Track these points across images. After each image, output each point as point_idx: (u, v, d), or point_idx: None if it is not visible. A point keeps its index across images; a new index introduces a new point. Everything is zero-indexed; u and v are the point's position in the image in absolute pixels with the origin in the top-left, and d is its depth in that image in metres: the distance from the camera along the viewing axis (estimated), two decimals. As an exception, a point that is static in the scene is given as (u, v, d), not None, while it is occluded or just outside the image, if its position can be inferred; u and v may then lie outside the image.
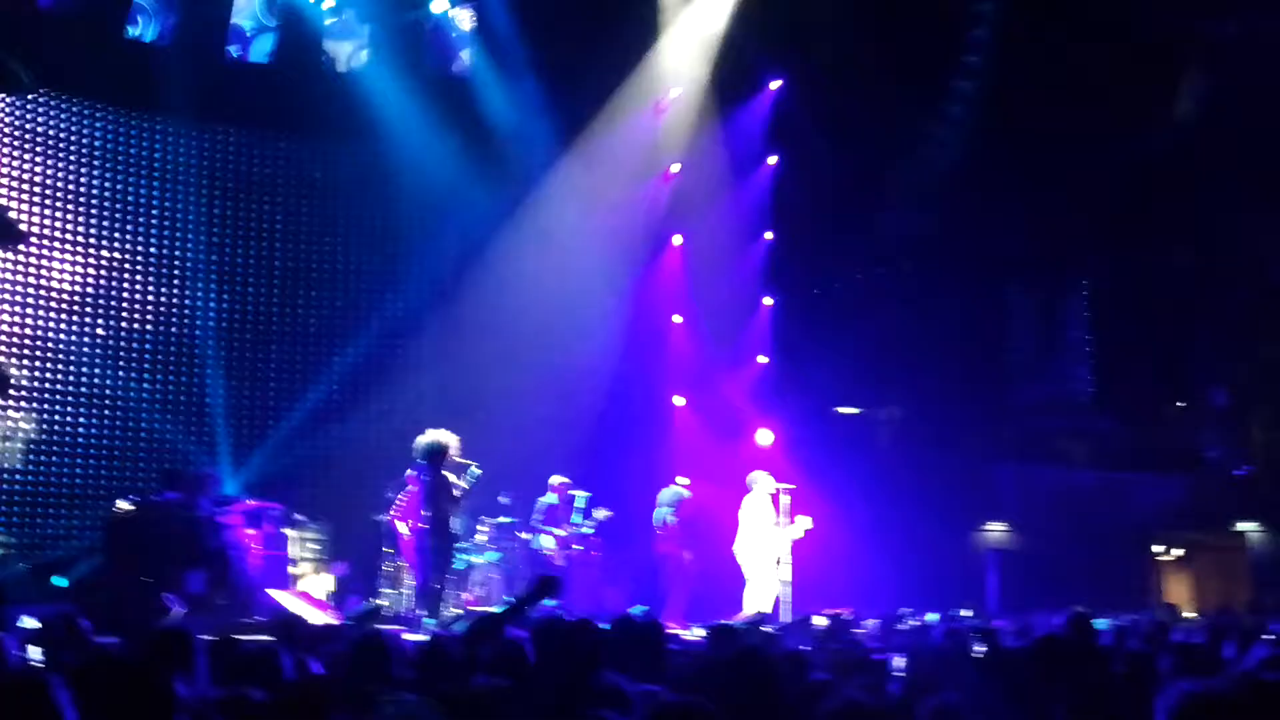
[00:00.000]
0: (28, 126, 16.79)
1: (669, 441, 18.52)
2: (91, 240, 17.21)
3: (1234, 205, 19.66)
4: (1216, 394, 22.37)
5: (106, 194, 17.32)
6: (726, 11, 18.99)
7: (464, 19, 18.50)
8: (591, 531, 15.79)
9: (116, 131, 17.35)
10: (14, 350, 16.27)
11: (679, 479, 16.30)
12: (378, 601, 13.93)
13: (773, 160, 20.09)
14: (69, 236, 17.01)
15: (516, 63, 18.06)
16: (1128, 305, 22.25)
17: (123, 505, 13.20)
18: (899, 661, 7.31)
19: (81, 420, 16.53)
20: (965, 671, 7.05)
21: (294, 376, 16.99)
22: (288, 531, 14.72)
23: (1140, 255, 21.39)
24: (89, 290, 17.09)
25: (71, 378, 16.60)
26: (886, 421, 22.23)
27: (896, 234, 20.47)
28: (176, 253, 17.42)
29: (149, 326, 17.33)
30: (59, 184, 16.97)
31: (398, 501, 13.83)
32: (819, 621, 11.29)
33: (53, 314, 16.66)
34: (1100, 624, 9.96)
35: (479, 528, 15.18)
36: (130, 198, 17.45)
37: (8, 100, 16.52)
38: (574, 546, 15.64)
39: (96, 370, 16.65)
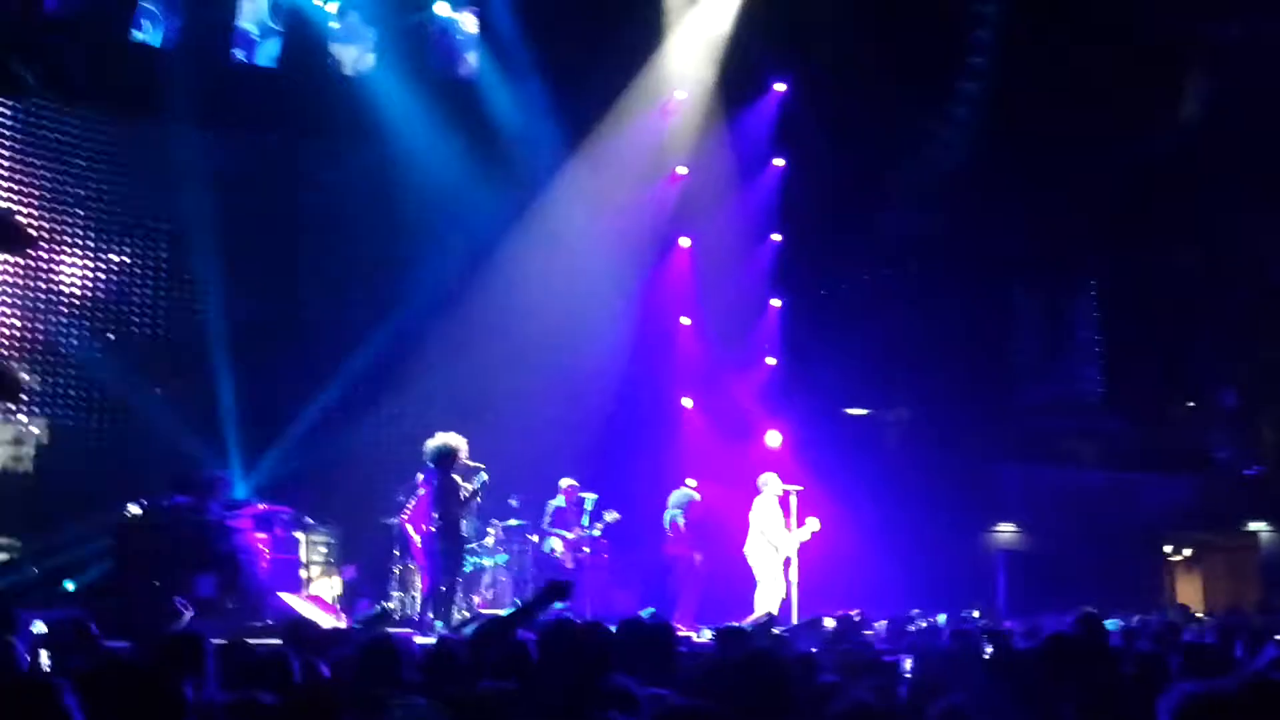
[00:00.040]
0: (35, 131, 16.83)
1: (678, 443, 18.52)
2: (100, 245, 17.26)
3: (1238, 206, 19.64)
4: (1225, 394, 22.35)
5: (114, 198, 17.35)
6: (731, 13, 19.00)
7: (469, 22, 18.49)
8: (599, 534, 15.79)
9: (123, 135, 17.38)
10: (24, 355, 16.30)
11: (688, 481, 16.29)
12: (387, 605, 13.95)
13: (779, 162, 20.09)
14: (78, 241, 17.07)
15: (522, 65, 18.06)
16: (1134, 305, 22.24)
17: (133, 509, 13.20)
18: (908, 663, 7.31)
19: (92, 425, 16.56)
20: (973, 673, 7.04)
21: (303, 379, 16.96)
22: (298, 535, 14.72)
23: (1146, 255, 21.38)
24: (98, 295, 17.14)
25: (81, 382, 16.63)
26: (894, 422, 22.22)
27: (903, 235, 20.46)
28: (185, 256, 17.42)
29: (158, 331, 17.38)
30: (66, 188, 17.01)
31: (408, 505, 13.85)
32: (828, 623, 11.30)
33: (63, 318, 16.71)
34: (1110, 625, 9.97)
35: (488, 530, 15.19)
36: (137, 202, 17.48)
37: (14, 104, 16.55)
38: (583, 549, 15.65)
39: (106, 374, 16.66)
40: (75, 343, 16.69)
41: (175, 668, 5.08)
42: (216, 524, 13.15)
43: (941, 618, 12.58)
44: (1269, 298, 20.81)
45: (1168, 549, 21.62)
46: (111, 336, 17.01)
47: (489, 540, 15.18)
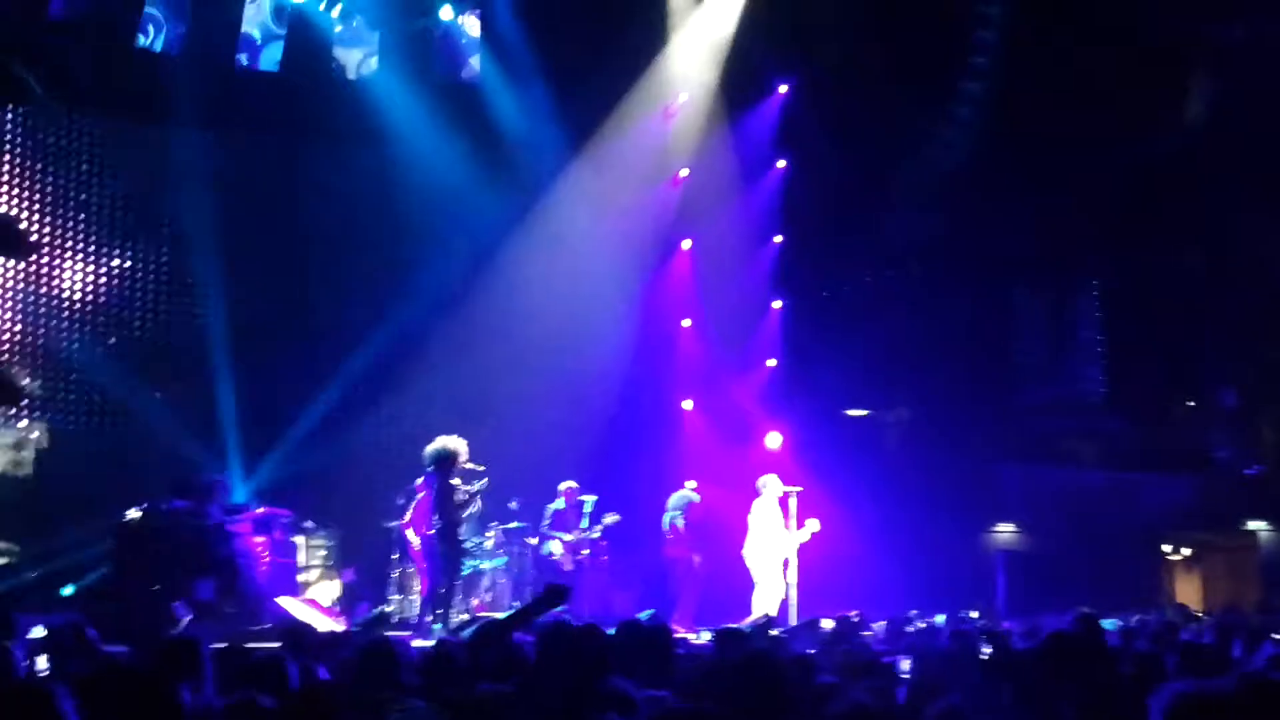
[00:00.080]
0: (38, 137, 16.87)
1: (678, 445, 18.53)
2: (103, 249, 17.29)
3: (1241, 206, 19.62)
4: (1226, 394, 22.32)
5: (117, 203, 17.39)
6: (734, 16, 19.01)
7: (472, 26, 18.52)
8: (599, 536, 15.80)
9: (126, 140, 17.42)
10: (24, 359, 16.33)
11: (688, 483, 16.31)
12: (385, 608, 13.97)
13: (781, 164, 20.10)
14: (80, 246, 17.10)
15: (525, 68, 18.09)
16: (1137, 306, 22.21)
17: (132, 513, 13.22)
18: (906, 664, 7.32)
19: (92, 429, 16.59)
20: (972, 673, 7.05)
21: (304, 382, 16.98)
22: (297, 539, 14.74)
23: (1148, 256, 21.34)
24: (99, 299, 17.18)
25: (81, 386, 16.66)
26: (895, 423, 22.20)
27: (904, 236, 20.44)
28: (186, 260, 17.45)
29: (159, 335, 17.41)
30: (69, 193, 17.05)
31: (407, 508, 13.87)
32: (826, 624, 11.31)
33: (63, 323, 16.74)
34: (1108, 624, 9.96)
35: (487, 533, 15.21)
36: (140, 206, 17.52)
37: (18, 110, 16.58)
38: (582, 551, 15.66)
39: (106, 379, 16.69)
40: (76, 347, 16.71)
41: (173, 672, 5.10)
42: (215, 528, 13.17)
43: (940, 618, 12.58)
44: (1271, 298, 20.77)
45: (1167, 549, 21.60)
46: (112, 341, 17.04)
47: (488, 543, 15.20)
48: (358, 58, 18.20)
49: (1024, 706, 6.19)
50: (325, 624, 12.12)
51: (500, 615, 10.15)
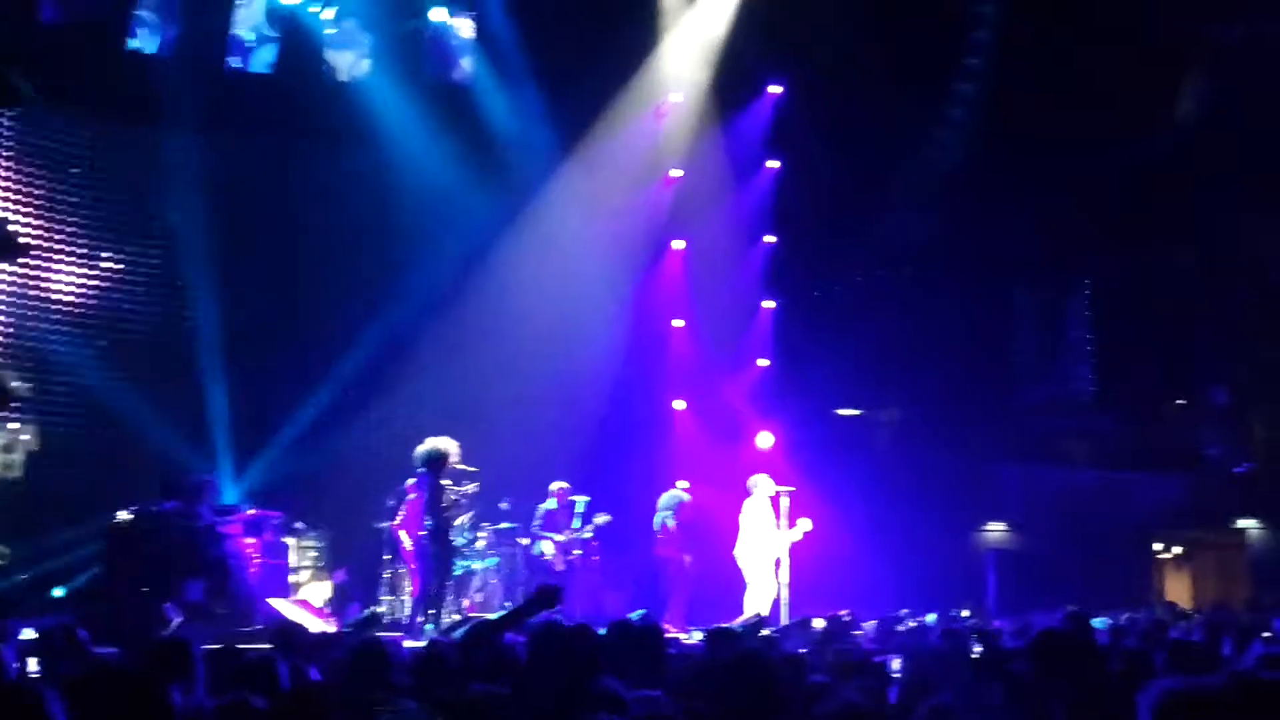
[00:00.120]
0: (30, 140, 16.84)
1: (670, 445, 18.54)
2: (94, 251, 17.28)
3: (1234, 206, 19.67)
4: (1217, 392, 22.37)
5: (108, 204, 17.38)
6: (727, 16, 19.02)
7: (464, 27, 18.52)
8: (591, 536, 15.81)
9: (118, 142, 17.41)
10: (15, 361, 16.32)
11: (679, 483, 16.32)
12: (377, 609, 13.96)
13: (774, 164, 20.10)
14: (71, 248, 17.08)
15: (517, 70, 18.10)
16: (1130, 305, 22.27)
17: (122, 515, 13.22)
18: (896, 663, 7.33)
19: (83, 430, 16.58)
20: (962, 672, 7.06)
21: (296, 384, 16.99)
22: (288, 540, 14.74)
23: (1142, 256, 21.39)
24: (91, 301, 17.16)
25: (73, 388, 16.65)
26: (887, 423, 22.24)
27: (897, 236, 20.46)
28: (178, 262, 17.44)
29: (151, 336, 17.38)
30: (61, 195, 17.03)
31: (398, 509, 13.86)
32: (817, 624, 11.32)
33: (55, 325, 16.72)
34: (1099, 623, 9.99)
35: (479, 534, 15.21)
36: (131, 208, 17.52)
37: (10, 114, 16.56)
38: (574, 552, 15.66)
39: (97, 380, 16.68)
40: (67, 349, 16.68)
41: (163, 673, 5.09)
42: (206, 529, 13.15)
43: (931, 617, 12.60)
44: (1264, 297, 20.83)
45: (1158, 547, 21.65)
46: (103, 342, 17.02)
47: (480, 543, 15.20)
48: (349, 59, 18.20)
49: (1014, 705, 6.21)
50: (316, 625, 12.10)
51: (492, 616, 10.16)
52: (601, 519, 15.78)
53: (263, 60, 17.79)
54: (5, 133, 16.65)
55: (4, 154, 16.63)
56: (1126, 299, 22.36)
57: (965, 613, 15.51)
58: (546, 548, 15.49)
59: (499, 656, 6.49)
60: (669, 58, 19.07)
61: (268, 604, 13.08)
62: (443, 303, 17.35)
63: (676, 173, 19.55)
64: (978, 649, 8.05)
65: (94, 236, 17.30)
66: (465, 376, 16.96)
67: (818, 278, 21.13)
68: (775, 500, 15.15)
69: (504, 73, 18.25)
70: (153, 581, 12.24)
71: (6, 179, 16.59)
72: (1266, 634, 9.18)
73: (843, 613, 11.53)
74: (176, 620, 8.65)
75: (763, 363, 20.06)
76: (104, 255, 17.36)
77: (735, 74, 19.27)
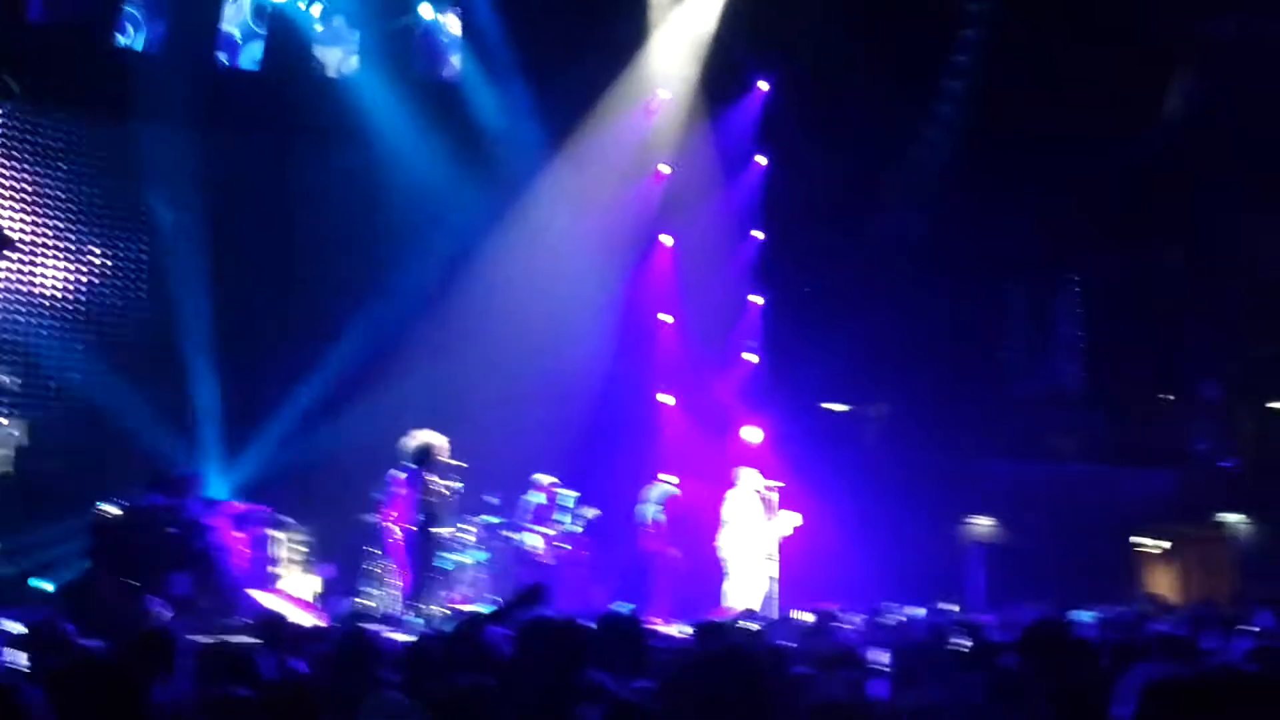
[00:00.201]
0: (17, 136, 16.82)
1: (659, 440, 18.56)
2: (82, 247, 17.26)
3: (1225, 204, 19.71)
4: (1206, 388, 22.42)
5: (97, 201, 17.36)
6: (715, 12, 19.04)
7: (452, 24, 18.52)
8: (580, 530, 15.83)
9: (106, 139, 17.37)
10: (2, 356, 16.31)
11: (662, 476, 16.37)
12: (365, 602, 13.98)
13: (763, 161, 20.12)
14: (59, 243, 17.05)
15: (505, 66, 18.11)
16: (1119, 302, 22.28)
17: (109, 509, 13.22)
18: (883, 657, 7.35)
19: (71, 424, 16.55)
20: (948, 666, 7.08)
21: (285, 378, 17.00)
22: (274, 533, 14.75)
23: (1132, 253, 21.40)
24: (79, 296, 17.14)
25: (59, 382, 16.62)
26: (875, 418, 22.26)
27: (887, 233, 20.48)
28: (167, 259, 17.43)
29: (139, 331, 17.36)
30: (48, 191, 17.01)
31: (386, 503, 13.86)
32: (805, 617, 11.34)
33: (42, 320, 16.70)
34: (1085, 616, 10.03)
35: (467, 528, 15.22)
36: (119, 204, 17.49)
37: (-1, 111, 16.57)
38: (563, 545, 15.69)
39: (84, 374, 16.66)
40: (54, 343, 16.68)
41: (144, 665, 5.11)
42: (193, 523, 13.17)
43: (918, 611, 12.63)
44: (1253, 294, 20.86)
45: (1144, 541, 21.69)
46: (92, 337, 17.01)
47: (469, 537, 15.22)
48: (338, 56, 18.20)
49: (1000, 698, 6.22)
50: (303, 618, 12.11)
51: (480, 610, 10.18)
52: (590, 513, 15.82)
53: (251, 57, 17.78)
54: (-6, 130, 16.65)
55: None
56: (1116, 296, 22.36)
57: (952, 607, 15.52)
58: (535, 541, 15.52)
59: (486, 650, 6.51)
60: (658, 54, 19.09)
61: (254, 597, 13.10)
62: (431, 297, 17.36)
63: (665, 169, 19.55)
64: (965, 642, 8.07)
65: (82, 232, 17.29)
66: (454, 371, 16.95)
67: (808, 273, 21.10)
68: (763, 495, 15.18)
69: (492, 69, 18.25)
70: (139, 575, 12.24)
71: (-5, 175, 16.59)
72: (1250, 628, 9.22)
73: (830, 606, 11.54)
74: (164, 613, 8.66)
75: (751, 358, 20.07)
76: (92, 251, 17.34)
77: (724, 70, 19.30)
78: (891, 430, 21.78)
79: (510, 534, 15.67)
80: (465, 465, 13.93)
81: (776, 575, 15.23)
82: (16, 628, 7.73)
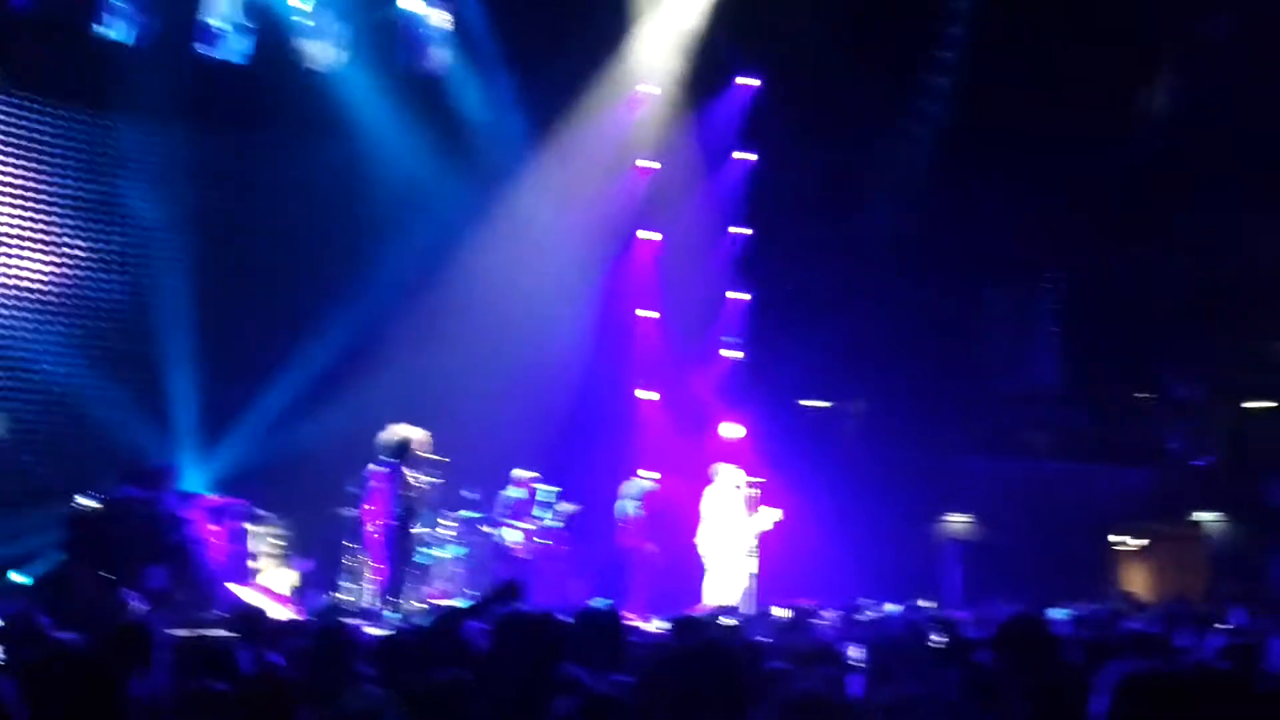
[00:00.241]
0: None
1: (638, 436, 18.58)
2: (62, 239, 17.18)
3: (1203, 205, 19.80)
4: (1181, 387, 22.53)
5: (78, 193, 17.27)
6: (701, 6, 19.03)
7: (437, 16, 18.48)
8: (559, 525, 15.85)
9: (89, 131, 17.29)
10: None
11: (641, 472, 16.40)
12: (342, 596, 13.98)
13: (748, 156, 20.13)
14: (38, 235, 16.97)
15: (490, 59, 18.09)
16: (1098, 301, 22.35)
17: (85, 501, 13.19)
18: (858, 652, 7.37)
19: (46, 416, 16.49)
20: (924, 661, 7.10)
21: (264, 371, 16.97)
22: (251, 527, 14.73)
23: (1111, 252, 21.46)
24: (58, 289, 17.06)
25: (37, 374, 16.56)
26: (854, 415, 22.31)
27: (869, 230, 20.51)
28: (148, 252, 17.38)
29: (118, 325, 17.29)
30: (28, 182, 16.92)
31: (363, 497, 13.86)
32: (781, 613, 11.37)
33: (19, 310, 16.62)
34: (1060, 614, 10.07)
35: (445, 522, 15.22)
36: (102, 197, 17.41)
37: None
38: (540, 540, 15.70)
39: (62, 366, 16.60)
40: (32, 334, 16.60)
41: (120, 658, 5.10)
42: (168, 515, 13.15)
43: (894, 607, 12.67)
44: (1232, 294, 20.95)
45: (1119, 539, 21.80)
46: (70, 329, 16.93)
47: (447, 532, 15.22)
48: (322, 49, 18.12)
49: (975, 694, 6.25)
50: (280, 612, 12.11)
51: (457, 604, 10.19)
52: (568, 508, 15.85)
53: (235, 49, 17.71)
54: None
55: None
56: (1095, 295, 22.43)
57: (928, 603, 15.57)
58: (513, 536, 15.53)
59: (462, 644, 6.52)
60: (642, 48, 19.08)
61: (230, 590, 13.09)
62: (412, 291, 17.34)
63: (649, 163, 19.54)
64: (941, 639, 8.10)
65: (61, 224, 17.20)
66: (433, 365, 16.92)
67: (790, 269, 21.12)
68: (742, 491, 15.22)
69: (477, 62, 18.22)
70: (114, 567, 12.21)
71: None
72: (1223, 625, 9.28)
73: (807, 602, 11.57)
74: (139, 606, 8.63)
75: (732, 354, 20.09)
76: (70, 243, 17.26)
77: (709, 65, 19.28)
78: (870, 427, 21.83)
79: (489, 529, 15.69)
80: (444, 460, 13.94)
81: (755, 571, 15.27)
82: (-8, 620, 7.72)
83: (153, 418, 16.41)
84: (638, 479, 16.20)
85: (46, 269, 16.99)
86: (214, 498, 14.53)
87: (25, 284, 16.78)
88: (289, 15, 17.70)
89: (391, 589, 13.21)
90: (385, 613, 12.76)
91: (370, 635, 7.70)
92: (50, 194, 17.07)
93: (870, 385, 21.68)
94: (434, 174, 17.66)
